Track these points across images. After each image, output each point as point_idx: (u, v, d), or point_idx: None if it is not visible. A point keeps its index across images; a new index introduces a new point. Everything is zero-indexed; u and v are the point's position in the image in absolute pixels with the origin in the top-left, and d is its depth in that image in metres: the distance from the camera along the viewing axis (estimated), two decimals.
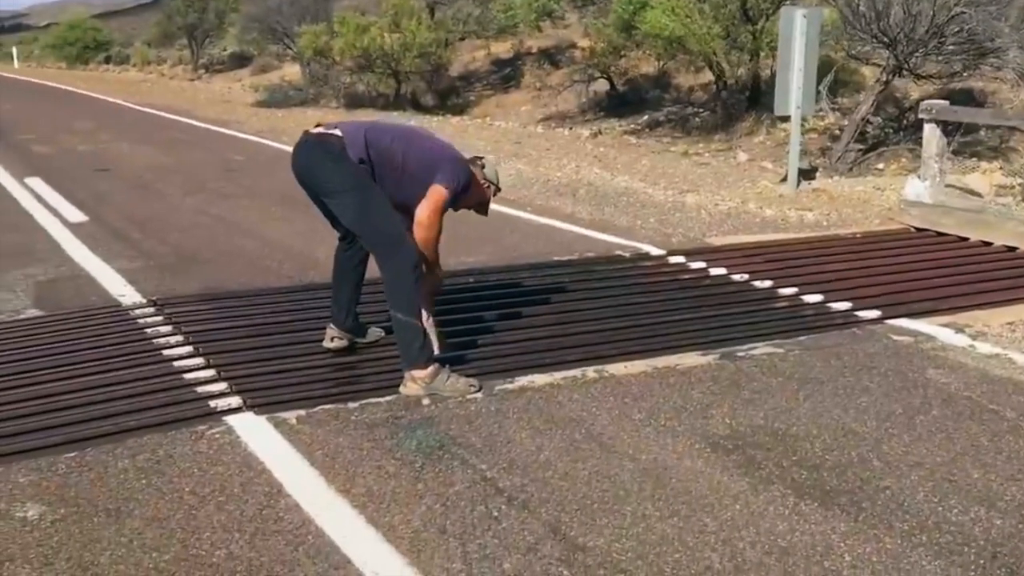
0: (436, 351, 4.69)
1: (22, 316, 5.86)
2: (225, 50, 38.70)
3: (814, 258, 6.94)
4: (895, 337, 5.32)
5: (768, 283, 6.30)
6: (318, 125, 4.78)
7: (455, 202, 4.70)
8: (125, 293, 6.32)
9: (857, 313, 5.70)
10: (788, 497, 3.53)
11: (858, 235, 7.71)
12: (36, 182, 11.08)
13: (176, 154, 13.77)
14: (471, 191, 4.76)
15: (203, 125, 18.09)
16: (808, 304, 5.92)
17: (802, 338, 5.30)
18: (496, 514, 3.42)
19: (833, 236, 7.70)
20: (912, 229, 7.85)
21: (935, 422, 4.19)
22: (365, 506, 3.49)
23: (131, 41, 52.41)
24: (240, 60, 35.95)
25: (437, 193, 4.54)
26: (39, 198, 10.03)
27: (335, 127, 4.68)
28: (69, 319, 5.71)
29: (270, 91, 24.11)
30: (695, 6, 12.02)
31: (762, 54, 12.37)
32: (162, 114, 20.59)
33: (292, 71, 27.57)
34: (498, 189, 4.94)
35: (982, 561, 3.13)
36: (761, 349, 5.12)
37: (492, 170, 4.90)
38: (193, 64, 38.33)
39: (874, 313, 5.67)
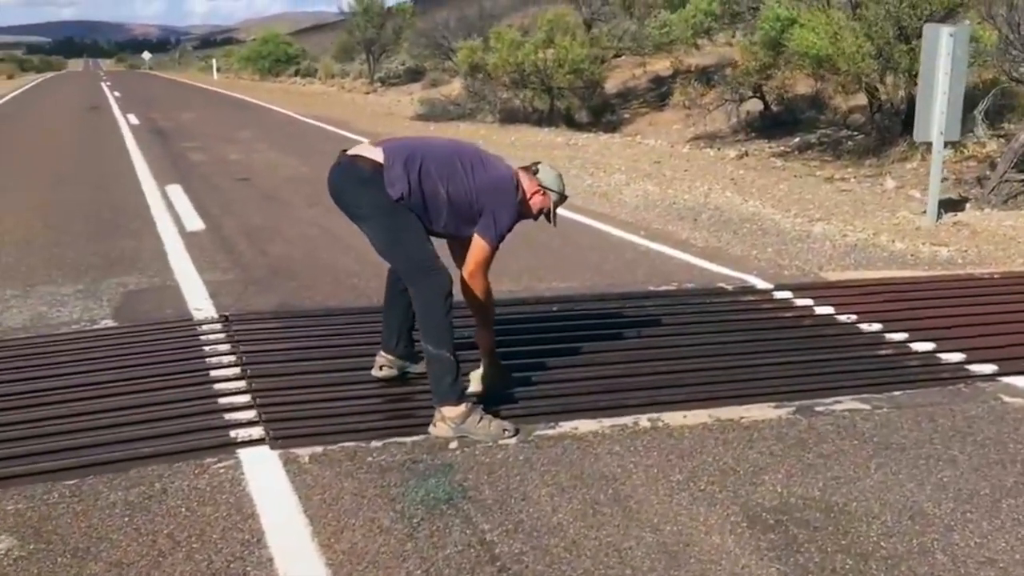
0: (472, 389, 4.37)
1: (94, 327, 5.84)
2: (403, 64, 39.47)
3: (935, 300, 6.24)
4: (1006, 398, 4.66)
5: (877, 326, 5.69)
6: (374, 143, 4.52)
7: (506, 229, 4.37)
8: (203, 307, 6.23)
9: (969, 367, 5.04)
10: None
11: (994, 276, 6.92)
12: (175, 189, 11.33)
13: (317, 165, 13.85)
14: (522, 206, 4.44)
15: (356, 137, 18.28)
16: (915, 353, 5.28)
17: (896, 393, 4.70)
18: None
19: (964, 276, 6.94)
20: None
21: None
22: (342, 566, 3.18)
23: (320, 55, 54.29)
24: (414, 74, 36.59)
25: (479, 250, 4.31)
26: (170, 205, 10.21)
27: (380, 146, 4.41)
28: (134, 333, 5.65)
29: (429, 105, 24.27)
30: (846, 23, 11.26)
31: (918, 75, 11.47)
32: (323, 126, 20.99)
33: (458, 85, 27.78)
34: (562, 196, 4.54)
35: None
36: (845, 404, 4.56)
37: (549, 176, 4.52)
38: (370, 78, 39.26)
39: (989, 368, 5.00)
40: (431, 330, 4.18)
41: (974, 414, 4.46)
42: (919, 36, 10.70)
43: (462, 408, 4.17)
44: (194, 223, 9.18)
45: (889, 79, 11.65)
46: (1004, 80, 10.40)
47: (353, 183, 4.32)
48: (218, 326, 5.77)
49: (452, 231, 4.41)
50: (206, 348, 5.37)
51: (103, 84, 46.64)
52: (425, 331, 4.21)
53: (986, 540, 3.34)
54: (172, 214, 9.69)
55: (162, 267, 7.41)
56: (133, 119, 22.56)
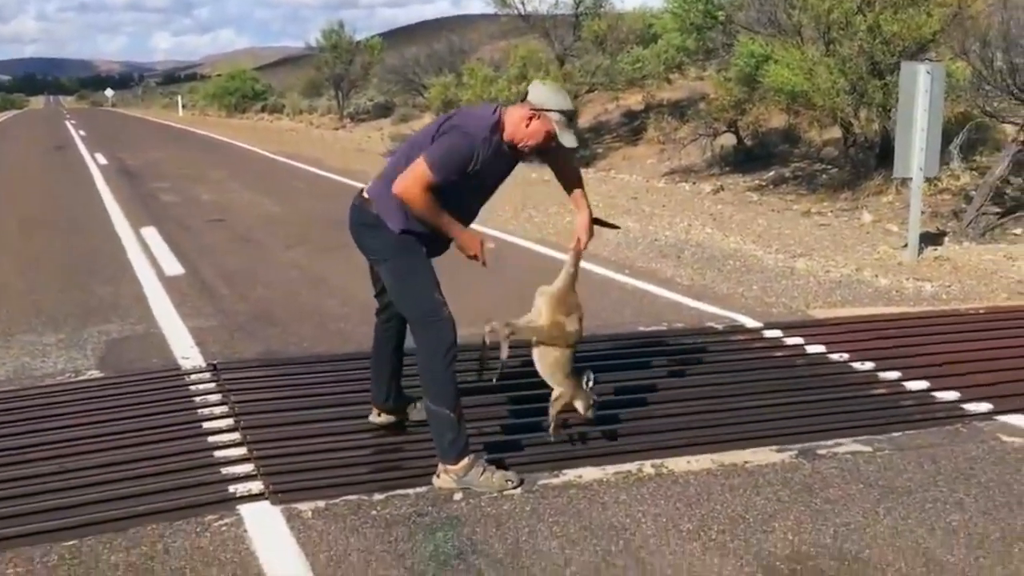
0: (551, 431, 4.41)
1: (79, 378, 5.74)
2: (371, 100, 39.51)
3: (925, 337, 6.28)
4: (1004, 438, 4.67)
5: (869, 365, 5.70)
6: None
7: (443, 154, 3.99)
8: (189, 355, 6.15)
9: (964, 406, 5.06)
10: None
11: (980, 311, 6.98)
12: (150, 232, 11.23)
13: (292, 204, 13.85)
14: (516, 133, 4.06)
15: (329, 175, 18.24)
16: (910, 392, 5.30)
17: (896, 434, 4.71)
18: None
19: (951, 312, 6.98)
20: None
21: None
22: None
23: (288, 91, 54.25)
24: (384, 109, 36.60)
25: (411, 167, 3.99)
26: (146, 248, 10.11)
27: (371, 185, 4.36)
28: (122, 384, 5.56)
29: (402, 140, 24.29)
30: (820, 59, 11.38)
31: (892, 109, 11.61)
32: (294, 163, 20.92)
33: (428, 119, 27.82)
34: (565, 112, 4.06)
35: None
36: (846, 447, 4.55)
37: (540, 93, 4.07)
38: (339, 113, 39.24)
39: (984, 406, 5.02)
40: (430, 385, 4.13)
41: (975, 455, 4.46)
42: (892, 72, 10.89)
43: (464, 461, 4.11)
44: (172, 267, 9.08)
45: (863, 113, 11.77)
46: (977, 114, 10.54)
47: (362, 227, 4.30)
48: (207, 375, 5.70)
49: (456, 200, 4.12)
50: (196, 399, 5.29)
51: (67, 122, 46.31)
52: (424, 386, 4.16)
53: None
54: (149, 257, 9.59)
55: (144, 313, 7.31)
56: (101, 159, 22.38)
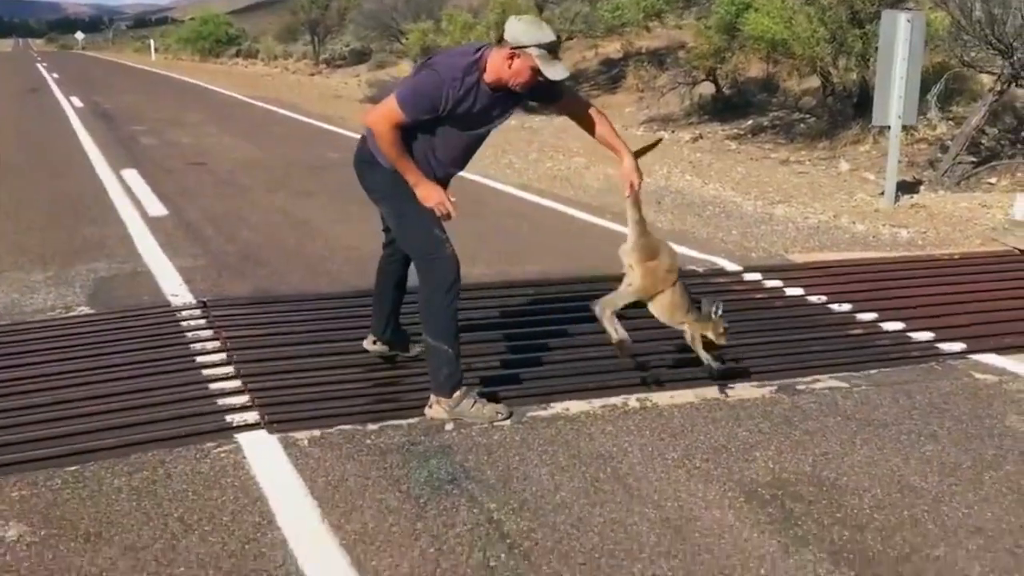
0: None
1: (70, 314, 5.80)
2: (347, 46, 39.12)
3: (901, 280, 6.43)
4: (977, 375, 4.83)
5: (847, 307, 5.85)
6: None
7: (412, 93, 4.03)
8: (178, 293, 6.22)
9: (939, 345, 5.22)
10: (823, 563, 3.14)
11: (955, 256, 7.13)
12: (131, 174, 11.20)
13: (272, 149, 13.81)
14: (502, 74, 3.99)
15: (308, 120, 18.17)
16: (886, 332, 5.45)
17: (872, 371, 4.86)
18: (493, 563, 3.13)
19: (926, 257, 7.14)
20: (1016, 251, 7.24)
21: (1007, 480, 3.73)
22: (354, 546, 3.23)
23: (261, 36, 53.58)
24: (360, 56, 36.24)
25: (384, 102, 4.08)
26: (128, 191, 10.10)
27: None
28: (113, 320, 5.63)
29: (380, 87, 24.11)
30: (800, 8, 11.44)
31: (871, 59, 11.70)
32: (273, 108, 20.79)
33: (406, 67, 27.60)
34: (543, 45, 3.93)
35: None
36: (824, 383, 4.70)
37: (516, 30, 3.96)
38: (315, 59, 38.87)
39: (958, 346, 5.18)
40: (430, 320, 4.20)
41: (948, 391, 4.63)
42: (871, 20, 10.98)
43: (457, 393, 4.22)
44: (156, 209, 9.10)
45: (842, 62, 11.86)
46: (955, 64, 10.65)
47: (361, 164, 4.34)
48: (197, 312, 5.77)
49: (438, 146, 4.18)
50: (188, 334, 5.37)
51: (39, 65, 45.61)
52: (425, 321, 4.23)
53: (972, 511, 3.49)
54: (132, 199, 9.59)
55: (130, 253, 7.35)
56: (76, 101, 22.18)
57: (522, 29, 3.98)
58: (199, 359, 4.98)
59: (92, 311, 5.85)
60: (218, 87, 28.46)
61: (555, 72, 4.01)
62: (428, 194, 4.16)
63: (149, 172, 11.36)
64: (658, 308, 4.40)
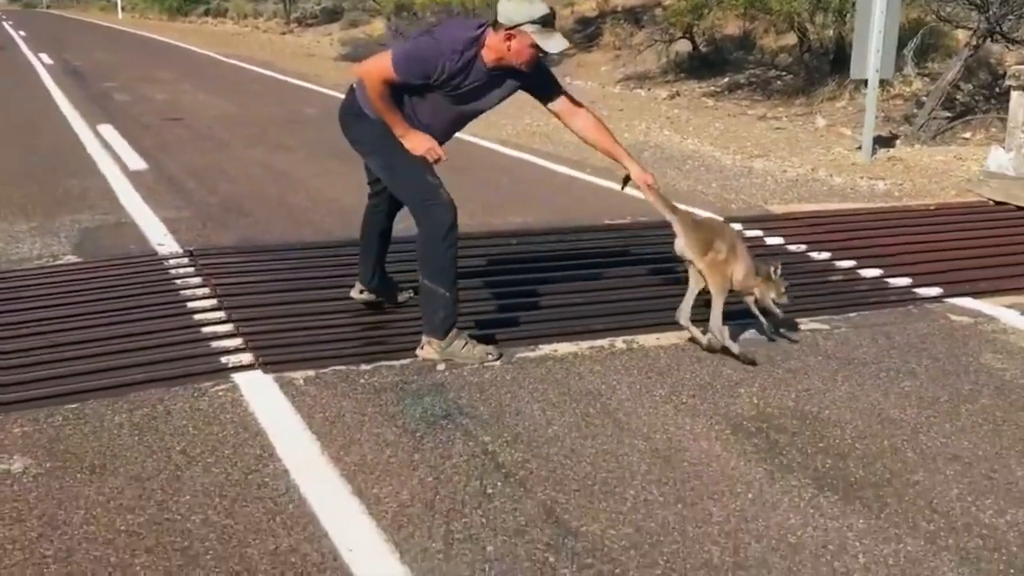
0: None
1: (58, 262, 5.82)
2: (319, 4, 38.70)
3: (878, 230, 6.56)
4: (953, 317, 4.97)
5: (825, 255, 5.97)
6: None
7: (406, 56, 4.06)
8: (164, 242, 6.25)
9: (916, 290, 5.35)
10: (807, 488, 3.26)
11: (931, 207, 7.28)
12: (107, 129, 11.14)
13: (248, 106, 13.75)
14: (506, 57, 4.02)
15: (283, 78, 18.05)
16: (865, 279, 5.58)
17: (852, 315, 4.99)
18: (490, 491, 3.23)
19: (903, 208, 7.28)
20: (991, 202, 7.39)
21: (983, 412, 3.86)
22: (355, 476, 3.32)
23: None
24: (331, 15, 35.84)
25: (378, 56, 4.13)
26: (107, 145, 10.06)
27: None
28: (101, 267, 5.66)
29: (354, 45, 23.96)
30: None
31: (848, 15, 11.79)
32: (246, 66, 20.62)
33: (379, 25, 27.39)
34: (536, 20, 3.94)
35: (1012, 571, 2.83)
36: (805, 325, 4.82)
37: (507, 9, 3.96)
38: (286, 18, 38.43)
39: (935, 291, 5.31)
40: (427, 263, 4.24)
41: (925, 332, 4.76)
42: None
43: (449, 335, 4.29)
44: (136, 163, 9.08)
45: (819, 19, 11.93)
46: (931, 20, 10.75)
47: (347, 116, 4.38)
48: (184, 260, 5.81)
49: (435, 115, 4.23)
50: (177, 281, 5.42)
51: (4, 23, 44.88)
52: (422, 263, 4.26)
53: (950, 440, 3.62)
54: (111, 154, 9.56)
55: (113, 205, 7.36)
56: (46, 59, 21.89)
57: (513, 7, 3.97)
58: (190, 304, 5.04)
59: (80, 259, 5.88)
60: (189, 45, 28.15)
61: (553, 44, 4.03)
62: (417, 143, 4.21)
63: (126, 128, 11.30)
64: (735, 281, 4.38)
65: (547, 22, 4.00)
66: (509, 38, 3.99)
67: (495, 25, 4.02)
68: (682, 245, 4.36)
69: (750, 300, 4.48)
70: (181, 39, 31.28)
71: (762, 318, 4.51)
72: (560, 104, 4.36)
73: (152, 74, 18.45)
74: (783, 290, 4.48)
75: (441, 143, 4.30)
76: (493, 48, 4.05)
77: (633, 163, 4.42)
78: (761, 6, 11.88)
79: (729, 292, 4.37)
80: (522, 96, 4.41)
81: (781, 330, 4.65)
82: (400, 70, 4.06)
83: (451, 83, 4.11)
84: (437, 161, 4.24)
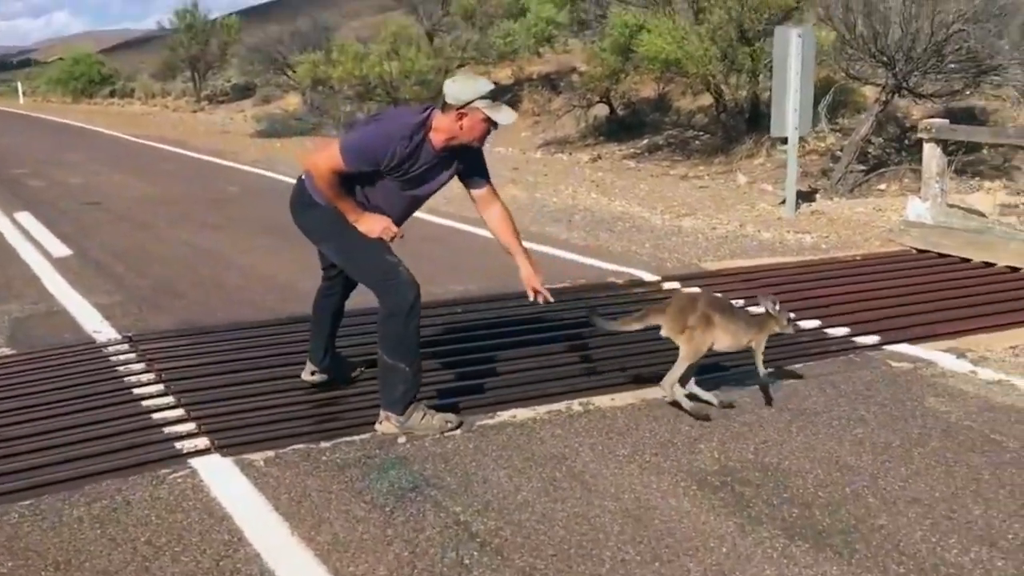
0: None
1: None
2: (229, 81, 38.69)
3: (811, 282, 6.74)
4: (894, 364, 5.12)
5: (761, 310, 6.08)
6: None
7: (358, 144, 4.13)
8: (100, 329, 6.13)
9: (855, 339, 5.50)
10: (778, 538, 3.32)
11: (857, 258, 7.51)
12: (24, 216, 10.93)
13: (168, 185, 13.64)
14: (460, 136, 4.10)
15: (199, 156, 17.96)
16: (805, 330, 5.71)
17: (797, 366, 5.10)
18: (467, 561, 3.22)
19: (831, 259, 7.50)
20: (913, 251, 7.66)
21: (934, 454, 3.98)
22: (329, 555, 3.29)
23: (136, 74, 52.46)
24: (243, 91, 35.86)
25: (326, 148, 4.17)
26: (25, 232, 9.87)
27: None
28: (39, 358, 5.53)
29: (269, 121, 23.96)
30: (691, 28, 11.86)
31: (760, 75, 12.20)
32: (159, 146, 20.48)
33: (294, 101, 27.45)
34: (488, 95, 4.07)
35: None
36: (754, 378, 4.90)
37: (453, 91, 4.06)
38: (196, 96, 38.29)
39: (873, 339, 5.47)
40: (388, 340, 4.22)
41: (870, 379, 4.89)
42: (759, 38, 11.43)
43: (408, 409, 4.28)
44: (58, 249, 8.92)
45: (733, 80, 12.29)
46: (840, 78, 11.16)
47: (299, 206, 4.38)
48: (124, 347, 5.71)
49: (413, 193, 4.27)
50: (120, 368, 5.32)
51: None
52: (382, 339, 4.25)
53: (907, 483, 3.72)
54: (31, 241, 9.38)
55: (41, 293, 7.21)
56: None
57: (459, 88, 4.08)
58: (136, 391, 4.94)
59: (14, 351, 5.74)
60: (97, 127, 27.89)
61: (504, 116, 4.15)
62: (371, 226, 4.23)
63: (43, 213, 11.10)
64: (722, 346, 4.44)
65: (495, 96, 4.12)
66: (461, 117, 4.07)
67: (444, 107, 4.09)
68: (664, 332, 4.45)
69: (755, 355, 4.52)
70: (88, 121, 30.98)
71: (759, 366, 4.54)
72: (483, 192, 4.44)
73: (63, 158, 18.20)
74: (786, 322, 4.55)
75: (398, 226, 4.33)
76: (443, 129, 4.11)
77: (525, 263, 4.47)
78: (678, 69, 12.20)
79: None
80: (490, 166, 4.49)
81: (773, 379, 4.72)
82: (349, 160, 4.10)
83: (401, 168, 4.14)
84: (393, 239, 4.26)
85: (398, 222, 4.34)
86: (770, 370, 4.64)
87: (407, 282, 4.20)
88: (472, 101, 4.04)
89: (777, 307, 4.54)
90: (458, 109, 4.05)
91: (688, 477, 3.81)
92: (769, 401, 4.55)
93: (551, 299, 4.46)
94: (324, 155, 4.15)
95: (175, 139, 21.77)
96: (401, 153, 4.09)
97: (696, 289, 4.69)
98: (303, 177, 4.39)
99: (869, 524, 3.41)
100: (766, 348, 4.54)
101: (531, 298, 4.47)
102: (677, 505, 3.58)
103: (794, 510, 3.52)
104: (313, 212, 4.30)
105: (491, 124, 4.13)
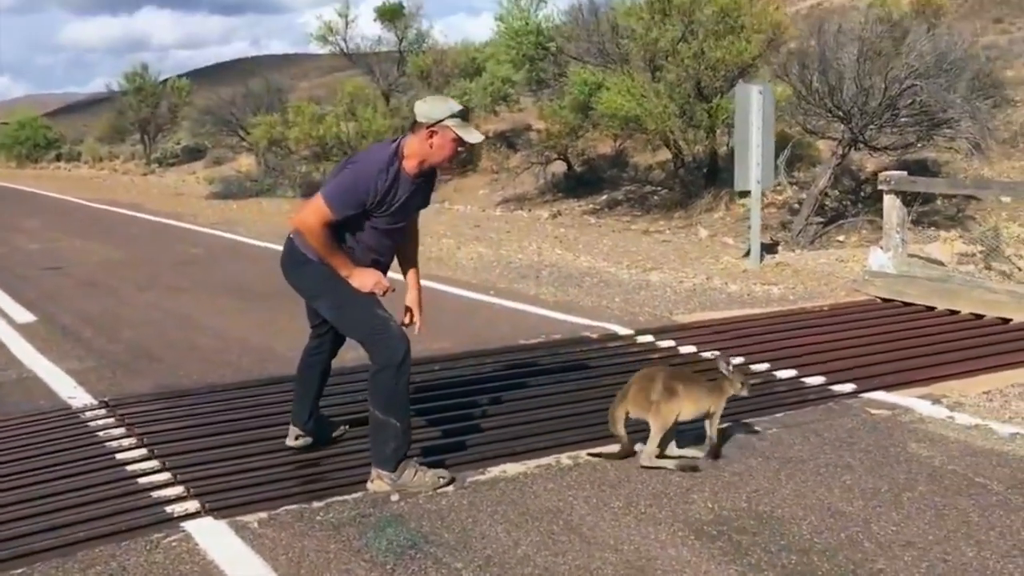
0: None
1: None
2: (179, 143, 38.58)
3: (784, 332, 6.86)
4: (872, 411, 5.21)
5: (740, 359, 6.17)
6: None
7: (340, 191, 4.16)
8: (75, 395, 6.07)
9: (832, 387, 5.60)
10: None
11: (825, 308, 7.66)
12: None
13: (128, 249, 13.54)
14: (429, 156, 4.17)
15: (156, 219, 17.86)
16: (781, 380, 5.81)
17: (778, 415, 5.18)
18: None
19: (800, 310, 7.63)
20: (878, 300, 7.82)
21: (923, 498, 4.05)
22: None
23: (83, 138, 52.07)
24: (193, 153, 35.78)
25: (311, 202, 4.22)
26: None
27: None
28: (15, 425, 5.45)
29: (224, 183, 23.90)
30: (650, 86, 12.10)
31: (718, 131, 12.44)
32: (115, 209, 20.33)
33: (247, 162, 27.41)
34: (459, 114, 4.13)
35: None
36: (737, 429, 4.98)
37: (423, 110, 4.16)
38: (146, 159, 38.09)
39: (849, 387, 5.57)
40: (378, 395, 4.24)
41: (851, 426, 4.97)
42: (717, 95, 11.68)
43: (400, 466, 4.28)
44: (22, 315, 8.81)
45: (691, 135, 12.51)
46: (797, 133, 11.44)
47: (290, 265, 4.41)
48: (101, 412, 5.65)
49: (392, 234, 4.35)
50: (100, 433, 5.26)
51: None
52: (373, 395, 4.26)
53: (900, 528, 3.78)
54: None
55: (8, 360, 7.12)
56: None
57: (430, 107, 4.18)
58: (119, 456, 4.89)
59: None
60: (48, 191, 27.64)
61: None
62: (363, 281, 4.27)
63: (2, 280, 10.96)
64: (688, 415, 4.52)
65: (465, 116, 4.21)
66: (431, 135, 4.13)
67: (414, 127, 4.18)
68: (633, 416, 4.53)
69: (712, 418, 4.60)
70: (38, 186, 30.70)
71: (712, 432, 4.61)
72: (413, 224, 4.57)
73: (17, 223, 18.01)
74: (740, 384, 4.60)
75: (389, 263, 4.41)
76: (414, 153, 4.18)
77: (414, 291, 4.61)
78: (637, 126, 12.42)
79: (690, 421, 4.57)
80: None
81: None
82: (335, 207, 4.14)
83: (385, 201, 4.19)
84: (385, 293, 4.30)
85: (390, 257, 4.44)
86: (726, 425, 4.75)
87: (397, 336, 4.23)
88: (443, 119, 4.11)
89: (731, 367, 4.62)
90: (428, 127, 4.12)
91: (685, 527, 3.84)
92: (716, 455, 4.57)
93: (423, 329, 4.61)
94: (310, 210, 4.19)
95: (130, 202, 21.63)
96: (382, 187, 4.15)
97: (653, 366, 4.80)
98: (292, 236, 4.42)
99: (868, 568, 3.46)
100: (742, 398, 4.63)
101: (404, 321, 4.55)
102: (677, 555, 3.61)
103: (792, 556, 3.56)
104: (306, 269, 4.33)
105: (460, 144, 4.20)
